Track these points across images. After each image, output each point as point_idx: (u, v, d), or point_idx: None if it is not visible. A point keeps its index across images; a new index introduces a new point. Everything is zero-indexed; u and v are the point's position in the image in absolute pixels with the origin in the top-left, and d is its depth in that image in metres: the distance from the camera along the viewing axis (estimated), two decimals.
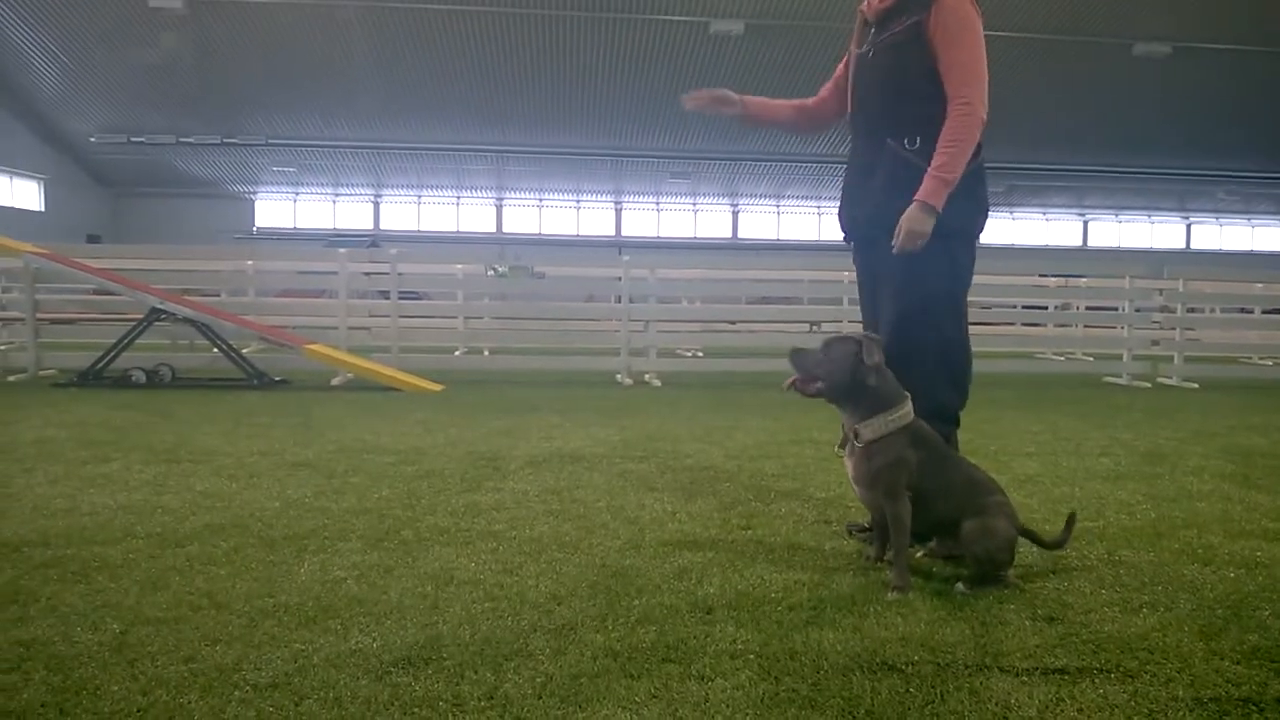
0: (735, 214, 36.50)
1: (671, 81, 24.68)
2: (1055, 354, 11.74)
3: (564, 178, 33.01)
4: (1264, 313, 12.82)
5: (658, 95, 24.99)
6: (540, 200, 35.31)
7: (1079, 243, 37.41)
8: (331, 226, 33.75)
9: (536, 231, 35.27)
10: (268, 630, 2.25)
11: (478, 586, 2.62)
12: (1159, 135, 27.75)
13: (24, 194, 28.39)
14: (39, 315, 8.32)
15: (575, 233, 35.38)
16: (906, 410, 2.72)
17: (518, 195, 34.90)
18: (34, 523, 3.23)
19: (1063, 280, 13.04)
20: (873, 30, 3.10)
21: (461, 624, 2.32)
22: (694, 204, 35.76)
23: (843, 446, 2.84)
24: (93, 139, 28.30)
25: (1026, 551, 2.97)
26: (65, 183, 30.15)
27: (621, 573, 2.77)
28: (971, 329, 3.21)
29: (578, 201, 35.56)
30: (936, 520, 2.74)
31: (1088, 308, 12.62)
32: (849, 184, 3.25)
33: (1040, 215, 36.30)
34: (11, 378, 8.11)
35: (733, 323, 12.50)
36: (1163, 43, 22.53)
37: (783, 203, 35.73)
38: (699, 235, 35.61)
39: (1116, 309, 10.86)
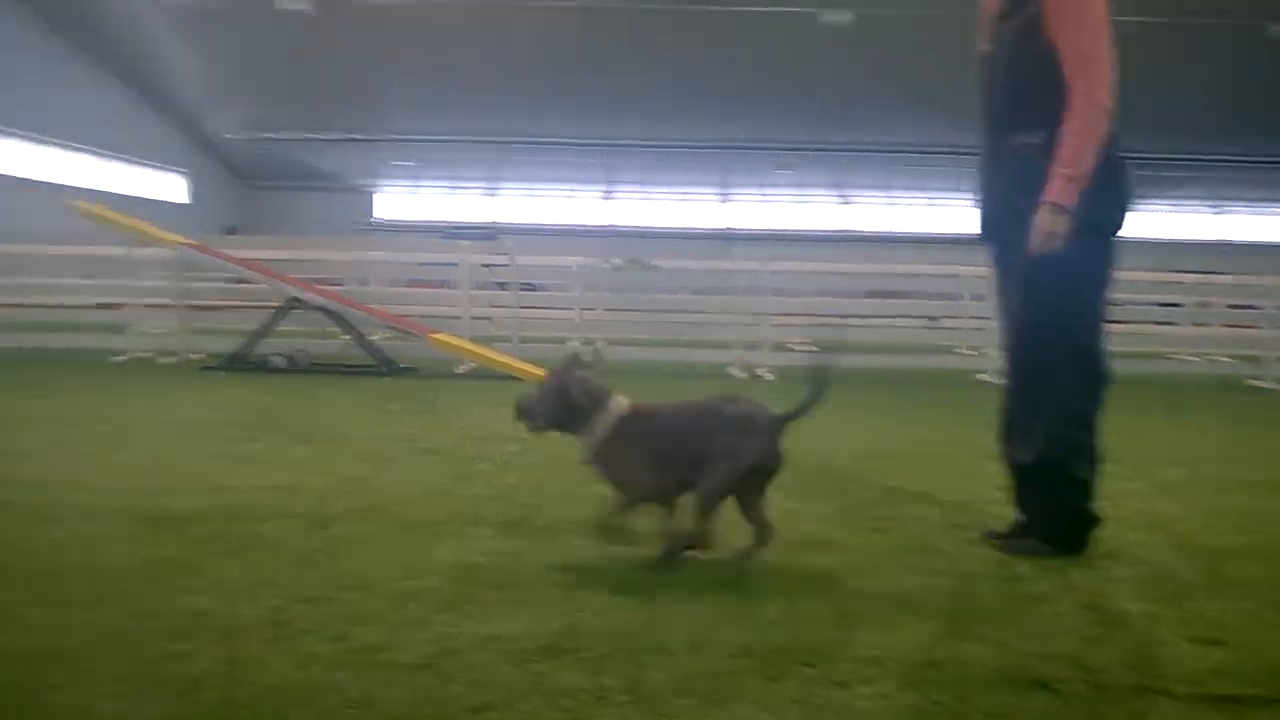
0: (844, 205, 35.81)
1: (779, 73, 24.34)
2: (1192, 355, 11.07)
3: (672, 170, 33.01)
4: None
5: (764, 87, 24.67)
6: (648, 193, 35.41)
7: (1214, 237, 35.22)
8: (448, 219, 34.68)
9: (645, 224, 35.37)
10: (412, 612, 2.33)
11: (611, 577, 2.65)
12: None
13: (171, 187, 30.16)
14: (188, 303, 8.81)
15: (683, 225, 35.34)
16: (617, 405, 2.89)
17: (627, 188, 35.11)
18: (196, 498, 3.42)
19: (1200, 277, 12.28)
20: (994, 22, 3.00)
21: (599, 615, 2.35)
22: (801, 195, 35.26)
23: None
24: (229, 135, 29.82)
25: (1182, 569, 2.83)
26: (206, 177, 31.88)
27: (752, 572, 2.75)
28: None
29: (685, 193, 35.53)
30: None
31: (1228, 306, 11.88)
32: (980, 183, 3.15)
33: (1171, 207, 34.39)
34: (163, 361, 8.63)
35: (845, 317, 12.25)
36: None
37: (893, 193, 34.87)
38: (806, 227, 35.08)
39: (1259, 308, 10.20)
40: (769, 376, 8.79)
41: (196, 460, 4.13)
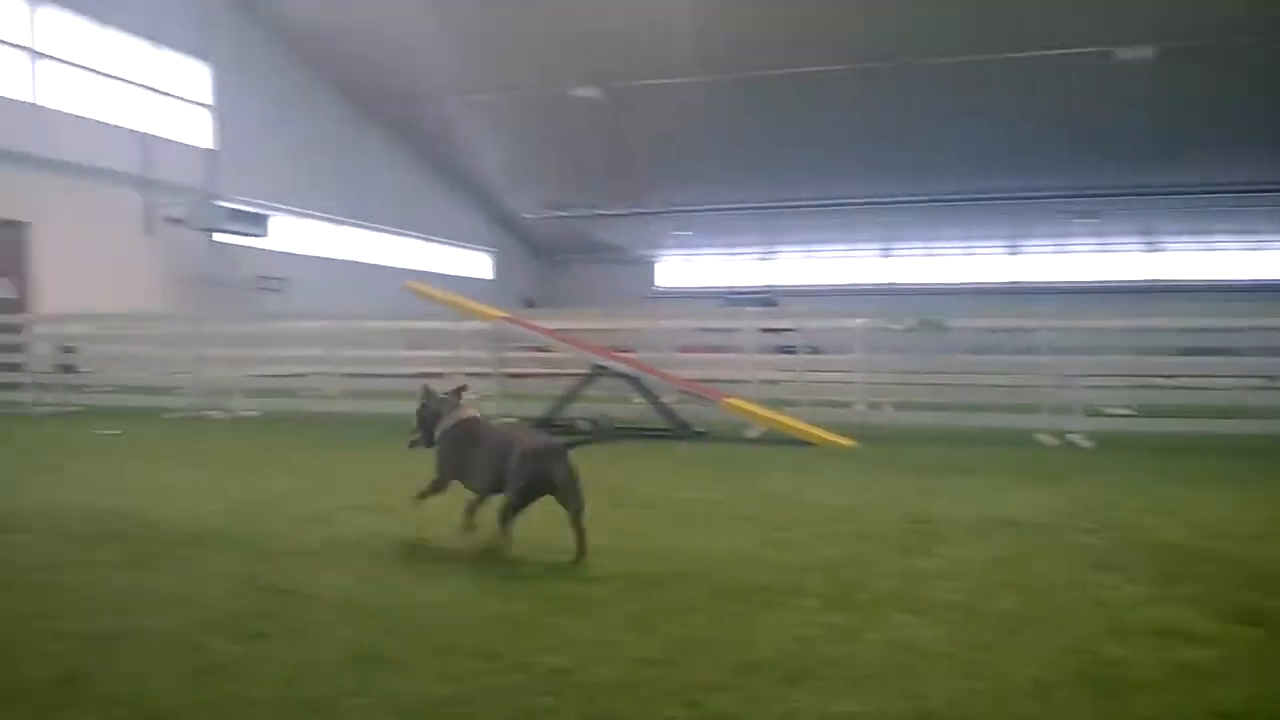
0: (1151, 253, 32.67)
1: (1074, 117, 22.81)
2: None
3: (955, 225, 31.80)
4: None
5: (1058, 132, 23.23)
6: (930, 248, 34.32)
7: None
8: (724, 284, 35.51)
9: (927, 281, 34.22)
10: (756, 683, 2.37)
11: (953, 661, 2.55)
12: None
13: (479, 265, 33.36)
14: (505, 371, 9.66)
15: (968, 280, 33.80)
16: (453, 416, 4.03)
17: (906, 245, 34.24)
18: (533, 556, 3.71)
19: None
20: None
21: (949, 702, 2.26)
22: (1102, 244, 32.63)
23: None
24: (527, 215, 32.58)
25: None
26: (507, 254, 34.96)
27: (1112, 663, 2.55)
28: None
29: (969, 248, 34.05)
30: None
31: None
32: None
33: None
34: None
35: (1167, 377, 11.08)
36: None
37: (1210, 239, 31.35)
38: (1108, 279, 32.27)
39: None
40: (1084, 444, 8.12)
41: (530, 522, 4.47)
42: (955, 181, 27.87)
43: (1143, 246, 32.76)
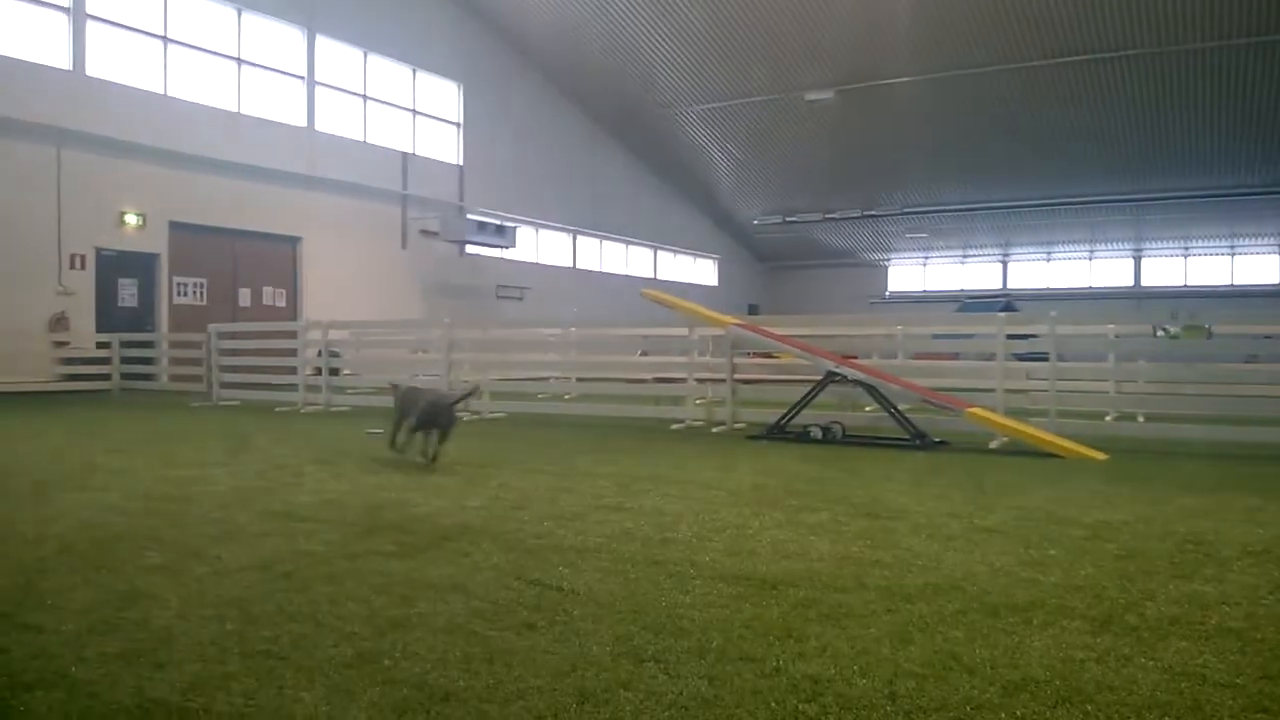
0: None
1: None
2: None
3: (1215, 223, 28.83)
4: None
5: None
6: (1186, 249, 31.29)
7: None
8: (959, 288, 34.03)
9: (1181, 283, 31.20)
10: (1024, 704, 2.34)
11: (1238, 691, 2.40)
12: None
13: (704, 271, 33.89)
14: (738, 376, 9.81)
15: (1229, 282, 30.54)
16: (406, 385, 7.26)
17: (1159, 245, 31.41)
18: (779, 563, 3.80)
19: None
20: None
21: None
22: (1233, 248, 28.70)
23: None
24: (755, 221, 32.71)
25: None
26: (733, 260, 35.26)
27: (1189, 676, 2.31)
28: None
29: (1232, 247, 30.72)
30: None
31: None
32: None
33: None
34: (715, 429, 9.68)
35: None
36: None
37: None
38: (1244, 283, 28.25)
39: None
40: None
41: (768, 526, 4.57)
42: (1214, 176, 25.38)
43: None
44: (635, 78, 24.52)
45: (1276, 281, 29.87)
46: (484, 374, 11.64)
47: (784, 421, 8.69)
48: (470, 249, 22.16)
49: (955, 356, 11.95)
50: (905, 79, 22.46)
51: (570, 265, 26.80)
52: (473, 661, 2.64)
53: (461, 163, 22.42)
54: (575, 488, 5.72)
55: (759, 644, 2.79)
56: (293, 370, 13.00)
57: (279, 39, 18.24)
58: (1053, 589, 3.41)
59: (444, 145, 22.14)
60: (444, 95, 22.15)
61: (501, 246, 22.22)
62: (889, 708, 2.32)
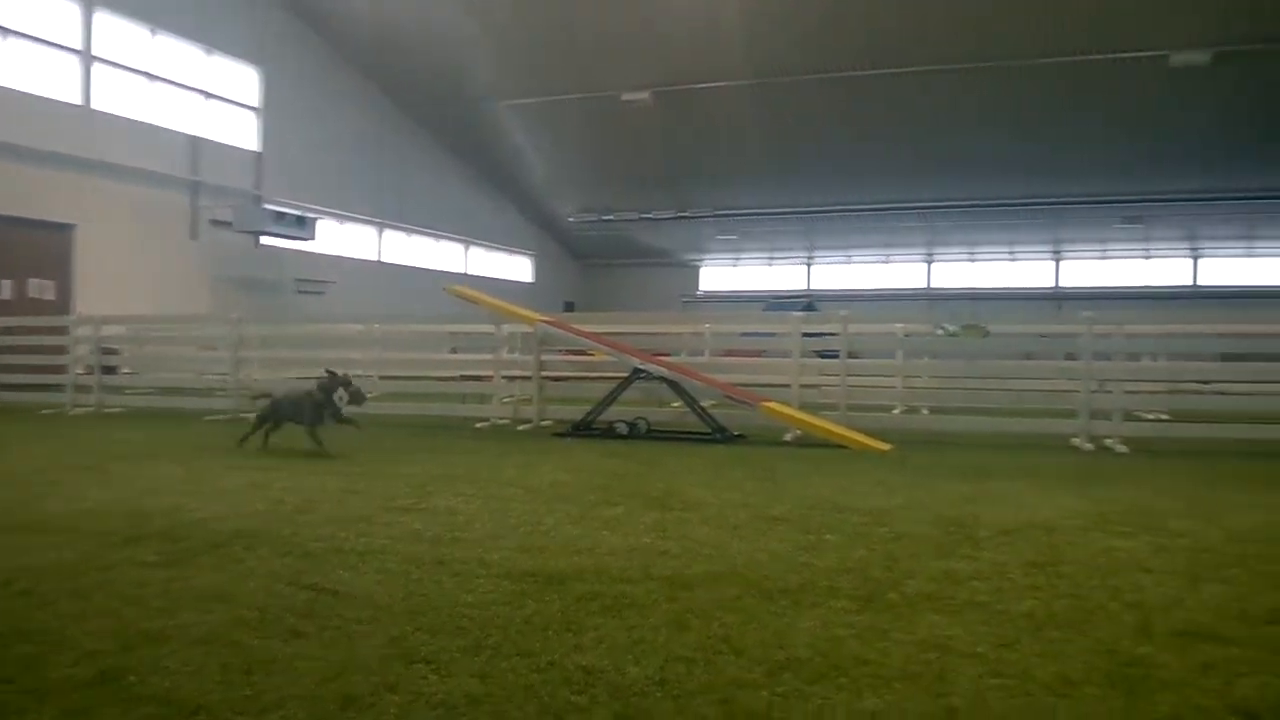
0: (1195, 259, 32.06)
1: (1124, 122, 22.56)
2: None
3: (998, 230, 31.47)
4: None
5: (1106, 137, 22.96)
6: (972, 254, 34.00)
7: None
8: (768, 289, 35.43)
9: (968, 286, 33.86)
10: (786, 682, 2.44)
11: (979, 660, 2.60)
12: None
13: (520, 268, 33.62)
14: (544, 374, 9.77)
15: (1010, 285, 33.43)
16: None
17: (948, 250, 33.93)
18: (564, 558, 3.80)
19: None
20: None
21: (973, 698, 2.32)
22: (1146, 250, 32.14)
23: None
24: (571, 219, 32.79)
25: None
26: (549, 257, 35.19)
27: (1135, 662, 2.58)
28: None
29: (1012, 253, 33.68)
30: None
31: None
32: None
33: None
34: (521, 427, 9.61)
35: (1205, 383, 10.92)
36: None
37: (1254, 245, 30.73)
38: (1153, 284, 31.74)
39: None
40: (1120, 449, 8.05)
41: (563, 521, 4.57)
42: (999, 185, 27.64)
43: (1187, 252, 32.16)
44: (448, 69, 24.00)
45: (1051, 285, 32.80)
46: (278, 373, 11.04)
47: (590, 418, 8.74)
48: (267, 240, 20.98)
49: (760, 354, 12.41)
50: (720, 84, 23.10)
51: (376, 259, 25.92)
52: (230, 672, 2.48)
53: (260, 150, 21.22)
54: (366, 489, 5.52)
55: (536, 639, 2.77)
56: (61, 369, 11.86)
57: (51, 8, 16.62)
58: (825, 572, 3.58)
59: (241, 131, 20.88)
60: (241, 79, 20.89)
61: (301, 238, 21.19)
62: (658, 693, 2.36)
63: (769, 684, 2.41)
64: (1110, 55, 20.21)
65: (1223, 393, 10.16)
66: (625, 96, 23.59)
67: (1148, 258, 32.56)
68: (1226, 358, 10.79)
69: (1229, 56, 19.52)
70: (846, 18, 20.37)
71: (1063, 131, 23.56)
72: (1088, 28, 19.58)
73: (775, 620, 2.96)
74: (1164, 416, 9.90)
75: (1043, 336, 11.44)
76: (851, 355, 9.49)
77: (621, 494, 5.37)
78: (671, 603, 3.16)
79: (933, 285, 34.58)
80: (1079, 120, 22.88)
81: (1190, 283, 32.01)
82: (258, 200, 20.71)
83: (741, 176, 28.60)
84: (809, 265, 36.51)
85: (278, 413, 7.32)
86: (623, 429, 8.48)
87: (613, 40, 21.87)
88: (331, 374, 7.36)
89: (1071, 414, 8.68)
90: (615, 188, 30.39)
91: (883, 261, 35.43)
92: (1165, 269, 32.43)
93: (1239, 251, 31.72)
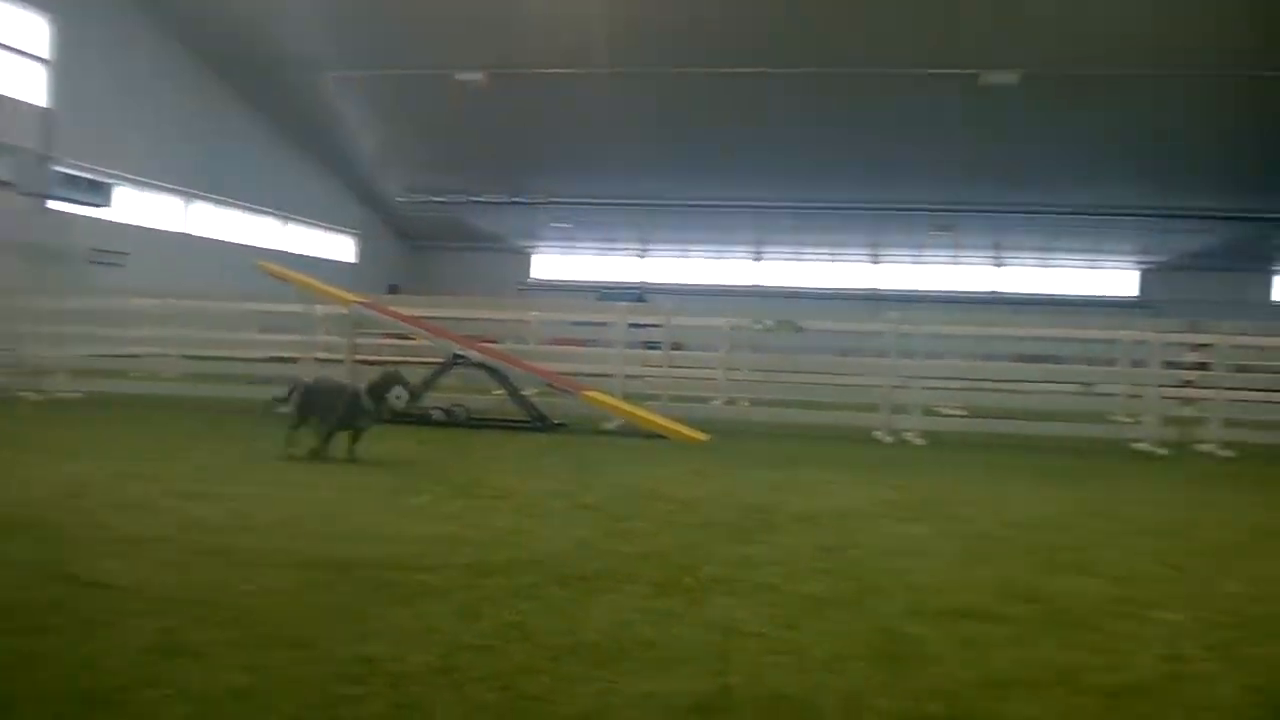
0: (1000, 267, 34.71)
1: (938, 134, 23.99)
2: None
3: (822, 231, 32.89)
4: None
5: (922, 148, 24.38)
6: (799, 253, 35.39)
7: None
8: (601, 279, 35.61)
9: (794, 284, 35.25)
10: (572, 666, 2.43)
11: (762, 640, 2.68)
12: None
13: (342, 247, 32.31)
14: (358, 357, 9.39)
15: (832, 286, 35.07)
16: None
17: (776, 249, 35.19)
18: (365, 546, 3.66)
19: None
20: None
21: (750, 676, 2.39)
22: (956, 257, 34.44)
23: None
24: (399, 199, 31.78)
25: None
26: (374, 238, 33.99)
27: (905, 639, 2.73)
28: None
29: (835, 254, 35.32)
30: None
31: None
32: None
33: None
34: None
35: (997, 381, 11.82)
36: None
37: (1051, 255, 33.58)
38: (960, 289, 34.12)
39: None
40: (917, 441, 8.59)
41: (364, 510, 4.41)
42: (824, 190, 28.79)
43: (991, 260, 34.66)
44: (270, 37, 22.68)
45: (869, 287, 34.43)
46: (62, 349, 10.10)
47: (405, 405, 8.47)
48: (57, 205, 19.20)
49: (589, 343, 12.42)
50: (558, 70, 22.93)
51: (183, 231, 24.23)
52: None
53: (50, 105, 19.37)
54: (151, 473, 5.14)
55: (316, 629, 2.66)
56: None
57: None
58: (627, 558, 3.61)
59: (26, 84, 18.98)
60: (29, 26, 18.99)
61: (96, 204, 19.50)
62: (440, 681, 2.31)
63: (553, 669, 2.40)
64: (927, 71, 21.42)
65: (1017, 391, 10.95)
66: (460, 76, 23.04)
67: (956, 264, 34.78)
68: (1023, 359, 11.69)
69: (1037, 77, 21.01)
70: (690, 14, 20.65)
71: (885, 140, 24.73)
72: (909, 45, 20.64)
73: (570, 607, 2.96)
74: (961, 412, 10.60)
75: (861, 334, 12.00)
76: (676, 348, 9.66)
77: (429, 482, 5.24)
78: (468, 590, 3.10)
79: (761, 282, 35.69)
80: (899, 130, 24.06)
81: (994, 289, 34.45)
82: (44, 160, 18.89)
83: (578, 165, 28.53)
84: (643, 257, 36.96)
85: (310, 406, 6.05)
86: (439, 416, 8.29)
87: (448, 16, 21.26)
88: (387, 373, 6.25)
89: (875, 408, 9.18)
90: (448, 169, 29.66)
91: (715, 257, 36.32)
92: (972, 275, 34.79)
93: (1037, 261, 34.35)
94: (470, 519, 4.26)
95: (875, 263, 35.54)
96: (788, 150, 26.06)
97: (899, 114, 23.50)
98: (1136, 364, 9.78)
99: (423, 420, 8.24)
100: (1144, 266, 33.58)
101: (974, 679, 2.42)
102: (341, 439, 5.95)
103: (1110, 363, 10.47)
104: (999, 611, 3.05)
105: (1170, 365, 9.74)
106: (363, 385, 6.13)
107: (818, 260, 35.82)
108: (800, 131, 24.92)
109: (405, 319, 9.03)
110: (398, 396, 6.18)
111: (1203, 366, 9.78)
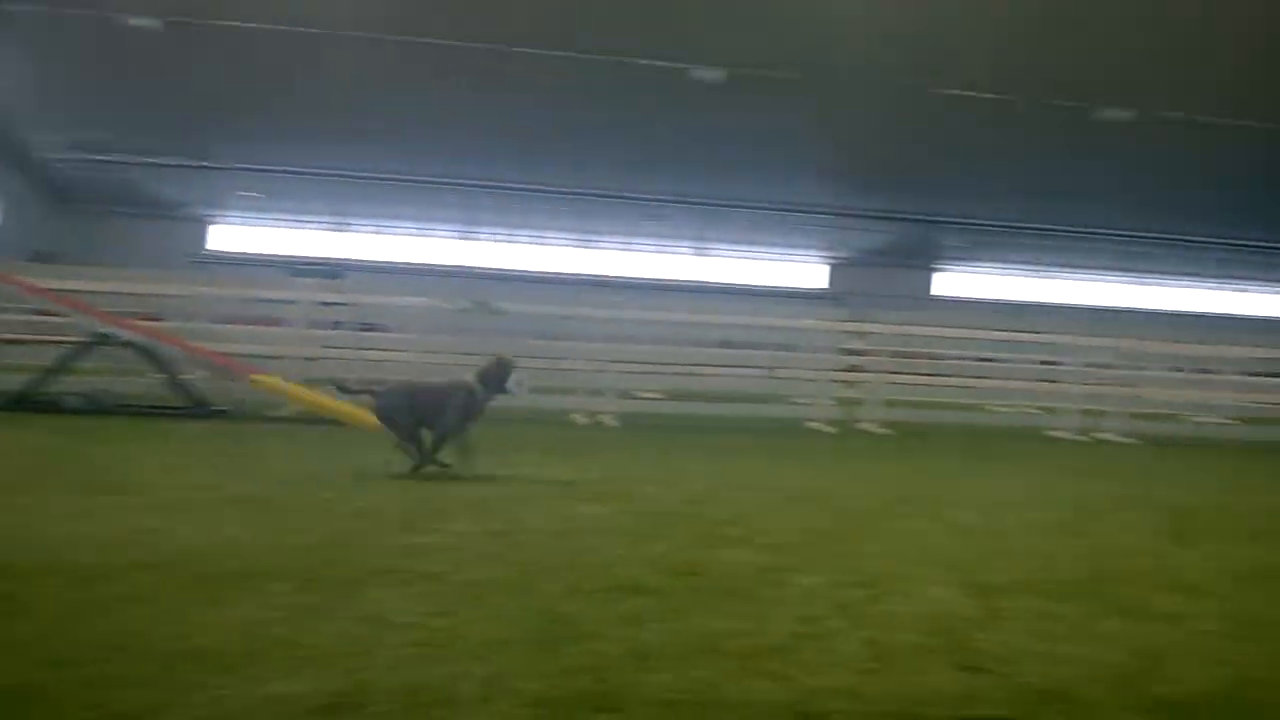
0: (702, 257, 36.67)
1: (647, 125, 24.76)
2: (1003, 406, 11.75)
3: (528, 215, 33.02)
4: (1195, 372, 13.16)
5: (632, 137, 25.09)
6: (510, 235, 35.20)
7: (1037, 299, 37.56)
8: (292, 254, 33.36)
9: (504, 267, 35.04)
10: (185, 674, 2.17)
11: (411, 630, 2.55)
12: (1117, 198, 28.20)
13: None
14: None
15: (542, 269, 35.26)
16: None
17: (486, 230, 34.78)
18: None
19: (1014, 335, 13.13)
20: None
21: (390, 669, 2.25)
22: (662, 246, 35.90)
23: None
24: (54, 155, 27.80)
25: (960, 603, 2.99)
26: (19, 198, 29.53)
27: (563, 618, 2.72)
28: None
29: (543, 238, 35.58)
30: None
31: (1042, 363, 12.74)
32: None
33: (1002, 271, 36.81)
34: None
35: (688, 365, 12.47)
36: (1124, 109, 22.63)
37: (750, 249, 36.01)
38: (667, 278, 35.69)
39: (1065, 364, 11.09)
40: (612, 423, 8.83)
41: None
42: (534, 172, 28.83)
43: (693, 250, 36.35)
44: None
45: (575, 272, 34.85)
46: None
47: (32, 389, 7.37)
48: None
49: (280, 323, 11.56)
50: (250, 24, 21.05)
51: None
52: None
53: None
54: None
55: None
56: None
57: None
58: (277, 552, 3.34)
59: None
60: None
61: None
62: (19, 702, 1.97)
63: (162, 679, 2.13)
64: (634, 61, 22.00)
65: (710, 375, 11.55)
66: (133, 21, 20.52)
67: (662, 253, 36.18)
68: (720, 345, 12.37)
69: (743, 76, 22.05)
70: None
71: (595, 128, 25.14)
72: (619, 33, 21.09)
73: (195, 610, 2.65)
74: (657, 395, 11.03)
75: (565, 318, 12.08)
76: (368, 329, 9.21)
77: (46, 477, 4.58)
78: (75, 595, 2.70)
79: (469, 263, 34.97)
80: (609, 119, 24.55)
81: (698, 278, 36.11)
82: None
83: (271, 131, 26.46)
84: (341, 233, 35.15)
85: (413, 413, 5.13)
86: (75, 402, 7.27)
87: None
88: (502, 359, 5.36)
89: (574, 390, 9.32)
90: (117, 125, 26.34)
91: (419, 235, 35.28)
92: (679, 264, 36.30)
93: (738, 253, 36.39)
94: (95, 518, 3.75)
95: (583, 248, 36.16)
96: (494, 130, 25.74)
97: (610, 102, 23.89)
98: (810, 352, 10.73)
99: (53, 407, 7.20)
100: (833, 262, 36.60)
101: (623, 652, 2.44)
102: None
103: (790, 349, 11.43)
104: (660, 586, 3.13)
105: (845, 353, 10.78)
106: (470, 377, 5.27)
107: (526, 244, 35.83)
108: (507, 113, 24.71)
109: (35, 291, 7.86)
110: (519, 383, 5.36)
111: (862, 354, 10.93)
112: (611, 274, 35.13)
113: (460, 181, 29.80)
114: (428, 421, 5.13)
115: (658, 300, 24.92)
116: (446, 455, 5.19)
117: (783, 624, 2.76)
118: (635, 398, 10.62)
